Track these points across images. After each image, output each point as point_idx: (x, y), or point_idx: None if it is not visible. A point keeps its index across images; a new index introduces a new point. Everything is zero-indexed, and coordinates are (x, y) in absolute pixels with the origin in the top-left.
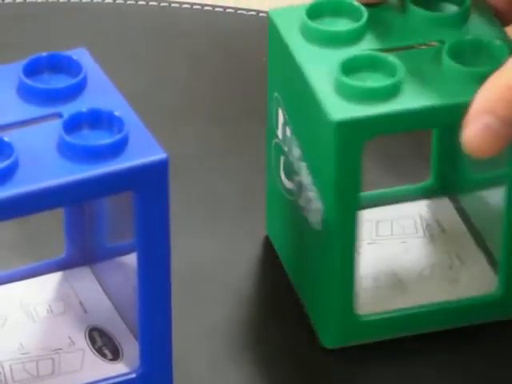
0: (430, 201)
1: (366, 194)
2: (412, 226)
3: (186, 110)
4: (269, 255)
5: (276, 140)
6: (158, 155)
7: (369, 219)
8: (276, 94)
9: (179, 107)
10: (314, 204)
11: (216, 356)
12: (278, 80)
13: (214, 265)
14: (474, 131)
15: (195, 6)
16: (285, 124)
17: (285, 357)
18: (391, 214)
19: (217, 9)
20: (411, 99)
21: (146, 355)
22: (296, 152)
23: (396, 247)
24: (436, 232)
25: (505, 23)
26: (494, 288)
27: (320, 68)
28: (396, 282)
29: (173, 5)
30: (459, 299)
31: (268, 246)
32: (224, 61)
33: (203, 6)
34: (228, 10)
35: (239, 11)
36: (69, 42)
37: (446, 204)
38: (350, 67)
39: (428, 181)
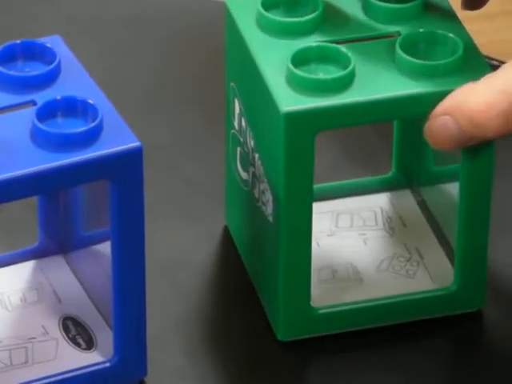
0: (391, 193)
1: (325, 185)
2: (372, 218)
3: (159, 97)
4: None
5: (233, 130)
6: (133, 144)
7: (329, 211)
8: (232, 84)
9: (153, 94)
10: (267, 196)
11: (190, 344)
12: (233, 70)
13: (187, 253)
14: (435, 126)
15: None
16: (240, 114)
17: (241, 348)
18: (352, 205)
19: None
20: (362, 92)
21: (120, 344)
22: (250, 143)
23: (355, 239)
24: (396, 225)
25: (479, 4)
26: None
27: (273, 59)
28: (353, 274)
29: None
30: (415, 293)
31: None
32: (196, 48)
33: None
34: None
35: None
36: (43, 30)
37: (407, 197)
38: (302, 58)
39: (390, 173)
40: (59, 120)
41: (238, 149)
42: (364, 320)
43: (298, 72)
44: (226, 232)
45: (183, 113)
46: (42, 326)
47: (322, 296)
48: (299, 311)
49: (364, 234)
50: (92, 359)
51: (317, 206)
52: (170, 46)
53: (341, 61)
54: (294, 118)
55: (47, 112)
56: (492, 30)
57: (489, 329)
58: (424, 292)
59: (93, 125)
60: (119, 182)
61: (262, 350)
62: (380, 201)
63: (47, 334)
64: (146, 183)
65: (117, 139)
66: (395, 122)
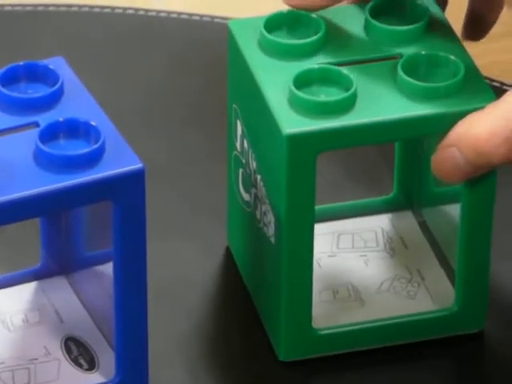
0: (392, 214)
1: (327, 206)
2: (373, 239)
3: (161, 118)
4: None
5: (235, 152)
6: (135, 165)
7: (330, 232)
8: (234, 105)
9: (155, 115)
10: (269, 217)
11: (192, 363)
12: (236, 91)
13: (189, 272)
14: (442, 157)
15: (172, 15)
16: (243, 136)
17: (242, 367)
18: (353, 226)
19: (193, 17)
20: (364, 114)
21: (122, 365)
22: (252, 164)
23: (356, 260)
24: (397, 246)
25: (485, 28)
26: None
27: (275, 81)
28: (354, 295)
29: (150, 13)
30: (416, 314)
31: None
32: (198, 68)
33: (180, 14)
34: (204, 19)
35: (216, 19)
36: (46, 51)
37: (408, 217)
38: (304, 80)
39: (391, 194)
40: (62, 142)
41: (240, 170)
42: (365, 341)
43: (300, 94)
44: (228, 251)
45: (185, 133)
46: (44, 347)
47: (322, 317)
48: (301, 332)
49: (365, 255)
50: (94, 380)
51: (318, 227)
52: (173, 66)
53: (343, 83)
54: (296, 140)
55: (50, 134)
56: (494, 51)
57: (490, 348)
58: (425, 313)
59: (95, 146)
60: (122, 202)
61: (263, 368)
62: (381, 222)
63: (49, 354)
64: (148, 203)
65: (119, 161)
66: (397, 143)
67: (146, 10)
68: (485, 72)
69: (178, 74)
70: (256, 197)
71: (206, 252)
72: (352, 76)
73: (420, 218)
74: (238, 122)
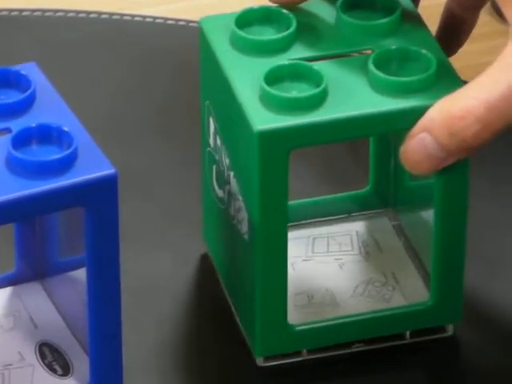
0: (367, 217)
1: (300, 202)
2: (348, 243)
3: (134, 123)
4: (212, 269)
5: (208, 148)
6: (107, 171)
7: (305, 236)
8: (207, 102)
9: (128, 120)
10: (242, 214)
11: (166, 371)
12: (208, 88)
13: (164, 279)
14: (412, 146)
15: (147, 19)
16: (215, 132)
17: (218, 375)
18: (328, 230)
19: (168, 21)
20: (335, 109)
21: (96, 370)
22: (225, 161)
23: (331, 264)
24: (372, 249)
25: (465, 30)
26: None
27: (246, 77)
28: (329, 299)
29: (125, 17)
30: (392, 308)
31: (212, 260)
32: (170, 72)
33: (155, 18)
34: (180, 23)
35: (191, 24)
36: (20, 56)
37: (383, 221)
38: (275, 77)
39: (366, 189)
40: (34, 147)
41: (214, 167)
42: (340, 336)
43: (271, 90)
44: (203, 258)
45: (158, 138)
46: (19, 353)
47: (298, 321)
48: (276, 328)
49: (340, 259)
50: None
51: (293, 231)
52: (146, 70)
53: (314, 78)
54: (268, 136)
55: (22, 139)
56: (470, 53)
57: (462, 353)
58: (400, 307)
59: (68, 152)
60: (94, 208)
61: (240, 376)
62: (356, 225)
63: (24, 360)
64: (121, 209)
65: (92, 166)
66: (371, 139)
67: (121, 15)
68: (461, 75)
69: (151, 78)
70: (229, 193)
71: (181, 259)
72: (323, 71)
73: (395, 220)
74: (211, 118)
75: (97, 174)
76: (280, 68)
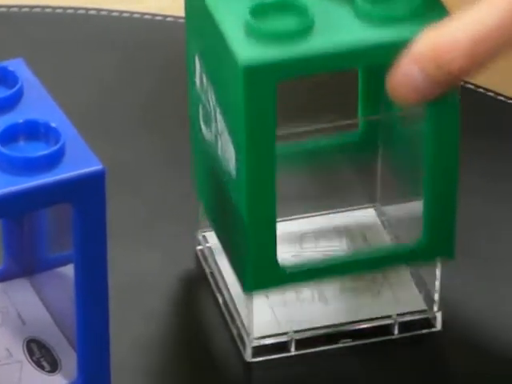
0: (355, 212)
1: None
2: (336, 238)
3: (121, 120)
4: (201, 267)
5: (195, 88)
6: (95, 167)
7: (293, 231)
8: (192, 40)
9: (115, 117)
10: (229, 151)
11: (155, 368)
12: (193, 26)
13: (151, 275)
14: (399, 76)
15: (135, 15)
16: (201, 71)
17: (208, 372)
18: (316, 226)
19: (156, 17)
20: (321, 41)
21: (84, 367)
22: (212, 99)
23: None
24: (360, 245)
25: None
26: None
27: (232, 12)
28: (318, 295)
29: (112, 14)
30: (384, 246)
31: (200, 258)
32: (161, 68)
33: (143, 14)
34: (168, 19)
35: (179, 20)
36: (5, 53)
37: (371, 216)
38: (260, 11)
39: (358, 130)
40: (21, 143)
41: (201, 106)
42: (330, 272)
43: (256, 23)
44: (192, 254)
45: (146, 135)
46: (7, 349)
47: (286, 317)
48: (265, 264)
49: (329, 255)
50: (56, 382)
51: (281, 227)
52: (132, 66)
53: (299, 11)
54: (253, 70)
55: (9, 136)
56: None
57: (450, 349)
58: (393, 245)
59: (55, 148)
60: (82, 205)
61: (229, 372)
62: (344, 220)
63: (11, 356)
64: (109, 205)
65: (79, 162)
66: (359, 71)
67: (109, 11)
68: None
69: (139, 75)
70: (217, 131)
71: (170, 255)
72: (308, 4)
73: (383, 216)
74: (197, 56)
75: (84, 170)
76: (265, 1)
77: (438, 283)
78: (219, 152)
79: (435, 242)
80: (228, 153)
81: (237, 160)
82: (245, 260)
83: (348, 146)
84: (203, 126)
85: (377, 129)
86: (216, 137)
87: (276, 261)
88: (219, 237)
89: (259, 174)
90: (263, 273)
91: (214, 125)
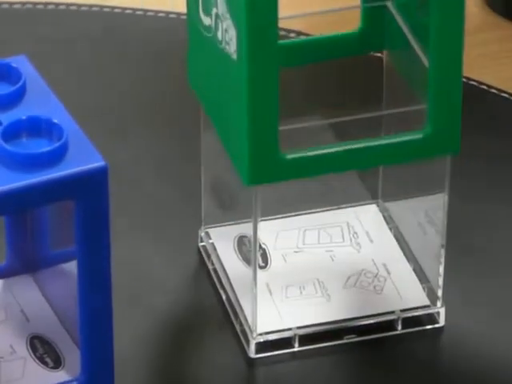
0: (357, 208)
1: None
2: (339, 234)
3: (124, 116)
4: (203, 264)
5: None
6: (98, 163)
7: (296, 227)
8: None
9: (118, 113)
10: (230, 33)
11: (158, 365)
12: None
13: (155, 272)
14: None
15: (127, 11)
16: None
17: (211, 370)
18: (318, 222)
19: (148, 13)
20: None
21: (87, 363)
22: None
23: (322, 256)
24: (363, 240)
25: None
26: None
27: None
28: (321, 290)
29: (105, 9)
30: (390, 137)
31: (203, 254)
32: (153, 63)
33: (135, 10)
34: (160, 15)
35: (170, 15)
36: (8, 50)
37: (373, 211)
38: None
39: (356, 30)
40: (24, 140)
41: None
42: (333, 166)
43: None
44: (195, 250)
45: (148, 131)
46: (10, 345)
47: (289, 313)
48: (266, 155)
49: (331, 251)
50: (59, 378)
51: (284, 223)
52: (137, 64)
53: None
54: None
55: (12, 132)
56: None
57: (453, 344)
58: (399, 136)
59: (58, 144)
60: (84, 201)
61: (233, 368)
62: (346, 216)
63: (15, 352)
64: (111, 202)
65: (82, 159)
66: None
67: (113, 7)
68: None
69: (139, 71)
70: (217, 16)
71: (173, 251)
72: None
73: (385, 211)
74: None
75: (87, 166)
76: None
77: (441, 279)
78: (219, 36)
79: (440, 134)
80: (229, 33)
81: (238, 39)
82: (245, 150)
83: (350, 40)
84: (202, 15)
85: (379, 21)
86: (216, 20)
87: (277, 150)
88: (218, 131)
89: (261, 50)
90: (264, 163)
91: (213, 9)
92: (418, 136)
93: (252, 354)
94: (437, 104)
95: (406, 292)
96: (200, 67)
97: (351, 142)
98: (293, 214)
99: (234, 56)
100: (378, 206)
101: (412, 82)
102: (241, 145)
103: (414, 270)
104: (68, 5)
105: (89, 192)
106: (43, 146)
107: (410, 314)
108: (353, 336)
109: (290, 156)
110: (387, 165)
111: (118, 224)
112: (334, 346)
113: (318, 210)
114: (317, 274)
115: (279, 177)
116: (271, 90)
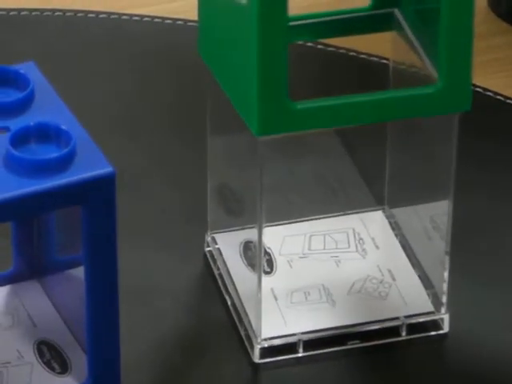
0: (363, 214)
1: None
2: (345, 240)
3: (132, 123)
4: (209, 268)
5: None
6: (105, 169)
7: (302, 233)
8: None
9: (126, 119)
10: None
11: (164, 369)
12: None
13: (161, 277)
14: None
15: (145, 19)
16: None
17: (217, 373)
18: (324, 227)
19: (166, 21)
20: None
21: (94, 368)
22: None
23: (328, 262)
24: (368, 246)
25: None
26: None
27: None
28: (326, 296)
29: (123, 17)
30: (401, 91)
31: (209, 259)
32: (171, 71)
33: (153, 18)
34: (178, 23)
35: (188, 23)
36: (16, 56)
37: (379, 218)
38: None
39: (366, 7)
40: (33, 146)
41: None
42: (344, 118)
43: None
44: (202, 256)
45: (157, 138)
46: (17, 351)
47: (294, 318)
48: (275, 104)
49: (336, 256)
50: (66, 383)
51: (290, 228)
52: (143, 70)
53: None
54: None
55: (21, 138)
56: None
57: (457, 350)
58: (409, 90)
59: (66, 150)
60: (92, 207)
61: (237, 373)
62: (352, 222)
63: (22, 358)
64: (118, 208)
65: (90, 165)
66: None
67: (120, 14)
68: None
69: (149, 78)
70: None
71: (179, 257)
72: None
73: (391, 218)
74: None
75: (95, 172)
76: None
77: (445, 285)
78: None
79: (451, 89)
80: None
81: None
82: (254, 100)
83: (361, 16)
84: None
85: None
86: None
87: (287, 100)
88: (227, 90)
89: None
90: (273, 113)
91: None
92: (429, 90)
93: (256, 358)
94: (448, 59)
95: (410, 298)
96: (210, 30)
97: (361, 94)
98: (298, 219)
99: (244, 1)
100: (383, 212)
101: (422, 40)
102: (250, 95)
103: (419, 276)
104: (75, 11)
105: (96, 198)
106: (51, 152)
107: (414, 320)
108: (357, 342)
109: (299, 106)
110: (396, 119)
111: (125, 229)
112: (339, 351)
113: (323, 215)
114: (322, 280)
115: (288, 127)
116: (280, 37)
